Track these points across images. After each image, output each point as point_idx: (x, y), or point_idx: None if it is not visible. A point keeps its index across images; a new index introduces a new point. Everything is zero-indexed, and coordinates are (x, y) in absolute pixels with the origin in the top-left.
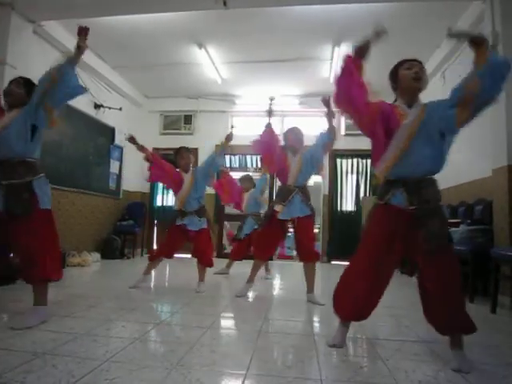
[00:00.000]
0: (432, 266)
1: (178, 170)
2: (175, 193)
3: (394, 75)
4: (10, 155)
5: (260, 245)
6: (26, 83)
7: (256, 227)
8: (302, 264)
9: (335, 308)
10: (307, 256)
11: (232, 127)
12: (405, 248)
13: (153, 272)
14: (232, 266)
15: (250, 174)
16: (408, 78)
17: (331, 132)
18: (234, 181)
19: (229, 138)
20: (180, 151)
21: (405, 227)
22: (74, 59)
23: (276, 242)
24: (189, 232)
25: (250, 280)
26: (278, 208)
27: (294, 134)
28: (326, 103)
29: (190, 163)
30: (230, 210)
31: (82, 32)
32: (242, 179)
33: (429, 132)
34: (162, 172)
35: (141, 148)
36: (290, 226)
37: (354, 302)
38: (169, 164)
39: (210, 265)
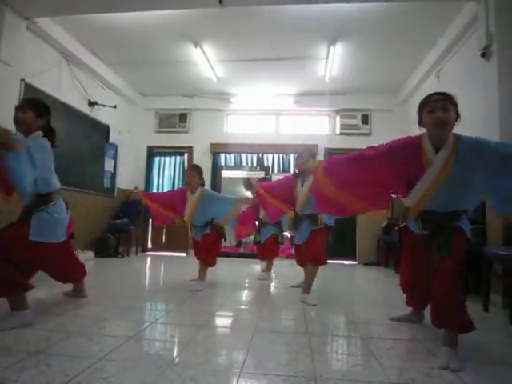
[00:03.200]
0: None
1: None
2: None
3: (420, 113)
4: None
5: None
6: (30, 104)
7: (275, 232)
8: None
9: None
10: (310, 258)
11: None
12: (427, 254)
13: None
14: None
15: (245, 173)
16: (430, 124)
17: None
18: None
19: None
20: (187, 170)
21: (422, 240)
22: None
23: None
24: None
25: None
26: (291, 233)
27: (299, 157)
28: None
29: (195, 183)
30: None
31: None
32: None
33: (456, 179)
34: (162, 212)
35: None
36: None
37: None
38: (164, 196)
39: (209, 263)
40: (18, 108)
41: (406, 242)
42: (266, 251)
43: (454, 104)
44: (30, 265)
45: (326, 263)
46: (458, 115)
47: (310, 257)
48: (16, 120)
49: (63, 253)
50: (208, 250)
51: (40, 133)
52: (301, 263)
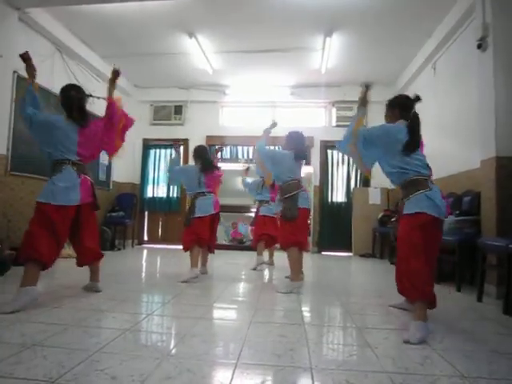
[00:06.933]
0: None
1: None
2: None
3: None
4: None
5: None
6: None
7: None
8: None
9: None
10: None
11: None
12: None
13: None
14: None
15: (241, 164)
16: None
17: None
18: None
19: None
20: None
21: None
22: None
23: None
24: None
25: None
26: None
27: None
28: None
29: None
30: (223, 200)
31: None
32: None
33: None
34: None
35: None
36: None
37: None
38: None
39: (183, 248)
40: None
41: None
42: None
43: (391, 105)
44: (55, 230)
45: (289, 246)
46: (399, 110)
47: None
48: None
49: (85, 217)
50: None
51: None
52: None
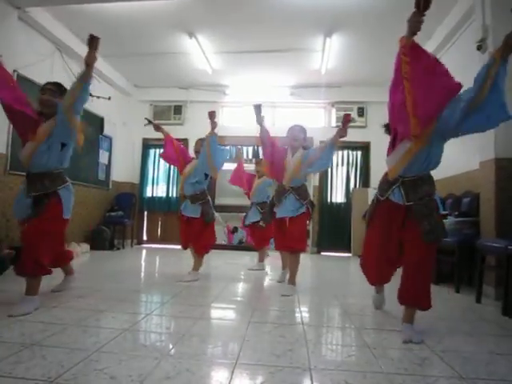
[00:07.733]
0: (412, 249)
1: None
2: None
3: None
4: (42, 169)
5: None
6: (58, 90)
7: (256, 220)
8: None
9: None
10: (289, 246)
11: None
12: (401, 234)
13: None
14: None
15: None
16: None
17: (334, 147)
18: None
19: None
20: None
21: (401, 217)
22: (84, 78)
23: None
24: (184, 217)
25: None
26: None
27: (290, 132)
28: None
29: (199, 151)
30: (223, 200)
31: (93, 43)
32: (259, 162)
33: (436, 137)
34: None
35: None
36: None
37: (368, 271)
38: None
39: (200, 252)
40: (46, 90)
41: (380, 215)
42: (258, 239)
43: None
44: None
45: (305, 250)
46: None
47: (288, 245)
48: (43, 102)
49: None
50: (198, 236)
51: None
52: (279, 246)
